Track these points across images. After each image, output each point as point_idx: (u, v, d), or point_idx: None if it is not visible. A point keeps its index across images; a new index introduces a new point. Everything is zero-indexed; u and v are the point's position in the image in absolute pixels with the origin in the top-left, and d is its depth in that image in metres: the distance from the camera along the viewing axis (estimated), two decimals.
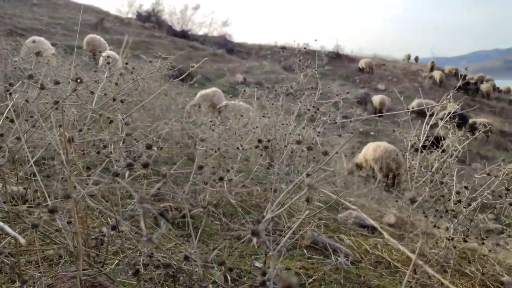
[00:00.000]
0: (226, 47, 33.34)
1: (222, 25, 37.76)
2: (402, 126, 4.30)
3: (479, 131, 3.32)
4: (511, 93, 29.18)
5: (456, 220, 2.23)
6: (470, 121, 17.97)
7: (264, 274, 0.92)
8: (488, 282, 2.07)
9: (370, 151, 8.54)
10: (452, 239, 2.52)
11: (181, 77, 3.21)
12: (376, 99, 18.57)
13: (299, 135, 2.83)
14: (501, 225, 3.99)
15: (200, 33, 36.06)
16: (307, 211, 1.26)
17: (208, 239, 1.90)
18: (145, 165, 0.80)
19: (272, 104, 3.92)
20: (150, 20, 32.95)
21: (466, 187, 2.33)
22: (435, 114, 3.73)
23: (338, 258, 1.66)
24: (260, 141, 1.27)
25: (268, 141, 1.53)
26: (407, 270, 1.91)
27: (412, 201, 0.99)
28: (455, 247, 2.28)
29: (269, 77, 25.90)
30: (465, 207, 2.24)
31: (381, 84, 28.17)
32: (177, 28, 34.21)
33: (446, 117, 3.64)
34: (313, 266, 1.71)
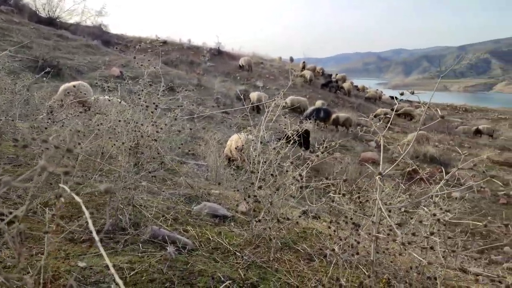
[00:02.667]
0: (102, 38, 30.91)
1: (96, 15, 34.78)
2: (276, 121, 4.59)
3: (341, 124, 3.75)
4: (366, 91, 33.75)
5: (294, 200, 2.50)
6: (334, 115, 20.27)
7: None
8: (313, 255, 2.38)
9: (233, 142, 8.87)
10: (297, 222, 2.82)
11: (47, 70, 2.88)
12: (254, 95, 19.53)
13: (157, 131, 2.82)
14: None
15: (71, 21, 32.65)
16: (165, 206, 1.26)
17: (35, 243, 1.77)
18: None
19: (142, 99, 3.81)
20: (8, 2, 28.46)
21: (300, 174, 2.62)
22: (304, 110, 4.06)
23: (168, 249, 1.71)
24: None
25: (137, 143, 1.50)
26: (241, 253, 2.09)
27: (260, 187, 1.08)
28: (291, 228, 2.56)
29: (150, 72, 24.91)
30: (301, 188, 2.52)
31: (259, 81, 29.67)
32: (43, 14, 30.34)
33: (312, 113, 4.02)
34: (141, 259, 1.74)
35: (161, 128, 2.53)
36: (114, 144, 2.54)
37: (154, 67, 2.81)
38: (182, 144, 10.46)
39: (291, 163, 2.81)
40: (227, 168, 7.42)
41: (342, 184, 1.71)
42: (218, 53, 34.93)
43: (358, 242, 1.59)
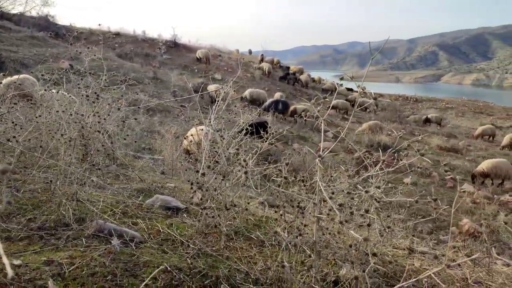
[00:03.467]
0: (49, 29, 29.26)
1: (42, 4, 32.78)
2: (236, 113, 4.56)
3: (299, 116, 3.79)
4: (322, 82, 34.48)
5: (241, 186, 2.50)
6: (292, 107, 20.55)
7: None
8: (266, 242, 2.41)
9: (191, 135, 8.78)
10: (246, 209, 2.82)
11: None
12: (212, 88, 19.33)
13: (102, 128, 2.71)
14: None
15: (14, 11, 30.59)
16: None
17: None
18: None
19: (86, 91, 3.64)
20: None
21: (245, 160, 2.62)
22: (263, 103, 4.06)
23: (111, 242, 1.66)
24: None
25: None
26: (190, 243, 2.07)
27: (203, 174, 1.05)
28: (244, 217, 2.56)
29: (101, 64, 23.92)
30: (246, 174, 2.53)
31: (217, 74, 29.42)
32: None
33: (271, 105, 4.03)
34: (83, 254, 1.68)
35: (105, 119, 2.42)
36: (53, 137, 2.40)
37: (100, 59, 2.68)
38: (137, 139, 10.18)
39: (237, 149, 2.82)
40: (185, 161, 7.32)
41: (284, 168, 1.74)
42: (174, 46, 34.18)
43: (305, 225, 1.62)
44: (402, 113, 30.06)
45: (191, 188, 2.18)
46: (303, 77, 31.91)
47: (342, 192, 1.62)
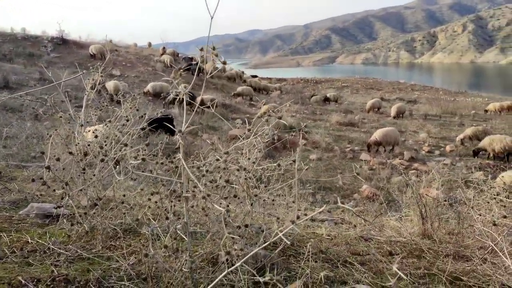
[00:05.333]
0: None
1: None
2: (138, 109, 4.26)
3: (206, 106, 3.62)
4: (226, 71, 34.61)
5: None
6: (199, 98, 20.27)
7: None
8: (160, 234, 2.26)
9: (90, 136, 8.20)
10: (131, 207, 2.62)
11: None
12: (110, 84, 18.07)
13: None
14: None
15: None
16: None
17: None
18: None
19: None
20: None
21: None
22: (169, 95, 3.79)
23: None
24: None
25: None
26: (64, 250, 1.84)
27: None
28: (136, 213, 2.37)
29: None
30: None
31: (116, 69, 27.61)
32: None
33: (179, 97, 3.79)
34: None
35: None
36: None
37: None
38: (24, 147, 9.05)
39: (125, 144, 2.60)
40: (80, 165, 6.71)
41: (159, 154, 1.62)
42: (62, 42, 31.14)
43: (174, 205, 1.54)
44: (304, 95, 31.73)
45: (62, 187, 1.94)
46: (207, 66, 31.67)
47: (219, 168, 1.56)
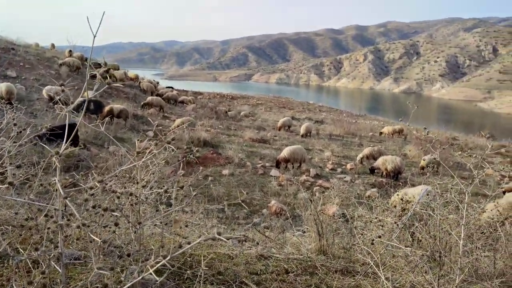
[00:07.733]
0: None
1: None
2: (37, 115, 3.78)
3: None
4: (139, 80, 33.37)
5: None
6: (107, 107, 19.07)
7: None
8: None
9: None
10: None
11: None
12: (2, 86, 16.05)
13: None
14: None
15: None
16: None
17: None
18: None
19: None
20: None
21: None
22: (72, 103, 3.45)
23: None
24: None
25: None
26: None
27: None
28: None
29: None
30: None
31: (11, 70, 24.72)
32: None
33: (81, 105, 3.47)
34: None
35: None
36: None
37: None
38: None
39: None
40: None
41: (39, 174, 1.49)
42: None
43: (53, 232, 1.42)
44: (219, 110, 31.97)
45: None
46: (118, 74, 30.17)
47: (115, 192, 1.49)
